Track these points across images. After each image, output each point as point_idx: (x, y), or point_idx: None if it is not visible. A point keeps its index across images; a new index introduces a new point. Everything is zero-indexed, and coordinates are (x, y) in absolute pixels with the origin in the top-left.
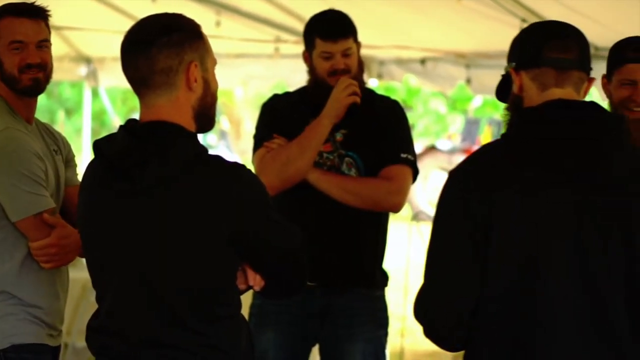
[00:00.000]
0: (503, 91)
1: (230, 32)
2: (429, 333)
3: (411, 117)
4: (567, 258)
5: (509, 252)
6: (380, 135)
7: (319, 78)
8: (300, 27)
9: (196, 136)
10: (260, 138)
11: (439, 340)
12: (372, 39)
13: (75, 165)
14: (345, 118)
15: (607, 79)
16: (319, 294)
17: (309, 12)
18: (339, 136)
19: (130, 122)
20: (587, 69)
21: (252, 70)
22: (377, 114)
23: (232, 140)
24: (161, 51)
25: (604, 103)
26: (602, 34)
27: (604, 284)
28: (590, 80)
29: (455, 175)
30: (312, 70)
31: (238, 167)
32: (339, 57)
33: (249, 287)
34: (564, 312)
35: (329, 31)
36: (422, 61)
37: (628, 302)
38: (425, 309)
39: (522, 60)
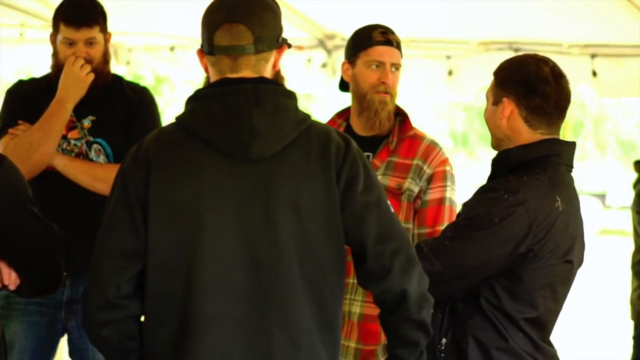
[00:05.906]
0: None
1: None
2: (82, 324)
3: (160, 104)
4: (227, 237)
5: (166, 232)
6: (129, 121)
7: (60, 64)
8: (45, 11)
9: None
10: (5, 125)
11: (89, 335)
12: (121, 25)
13: None
14: (93, 104)
15: (350, 64)
16: (68, 284)
17: None
18: (86, 123)
19: None
20: (269, 46)
21: None
22: (126, 101)
23: None
24: None
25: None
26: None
27: (270, 257)
28: (280, 50)
29: (124, 159)
30: (55, 55)
31: None
32: (81, 45)
33: (4, 287)
34: (224, 293)
35: (73, 17)
36: (172, 48)
37: (302, 271)
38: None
39: (203, 45)
